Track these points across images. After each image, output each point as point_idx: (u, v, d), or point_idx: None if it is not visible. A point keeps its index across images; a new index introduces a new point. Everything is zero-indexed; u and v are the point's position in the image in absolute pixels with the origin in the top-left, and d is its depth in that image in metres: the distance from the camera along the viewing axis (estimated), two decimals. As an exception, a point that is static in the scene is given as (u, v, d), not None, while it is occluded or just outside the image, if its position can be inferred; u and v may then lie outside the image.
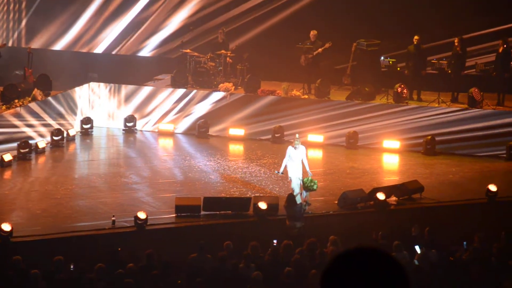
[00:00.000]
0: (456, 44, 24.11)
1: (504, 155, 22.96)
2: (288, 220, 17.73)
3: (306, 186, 18.18)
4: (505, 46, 23.92)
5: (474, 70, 24.47)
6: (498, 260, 15.83)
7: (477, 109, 23.41)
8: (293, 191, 18.52)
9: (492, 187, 19.50)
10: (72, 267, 14.82)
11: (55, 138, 23.64)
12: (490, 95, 23.93)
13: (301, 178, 18.68)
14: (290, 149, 18.68)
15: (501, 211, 18.97)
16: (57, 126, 24.02)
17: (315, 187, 18.29)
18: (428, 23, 25.93)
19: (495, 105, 23.74)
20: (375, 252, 3.02)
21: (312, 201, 19.38)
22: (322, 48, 24.66)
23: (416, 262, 15.89)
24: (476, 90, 23.55)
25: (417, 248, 16.42)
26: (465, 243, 16.66)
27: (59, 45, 28.68)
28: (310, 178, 18.35)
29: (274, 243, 16.52)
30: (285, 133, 24.39)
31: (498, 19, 25.65)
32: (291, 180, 18.87)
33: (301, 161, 18.56)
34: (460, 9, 25.87)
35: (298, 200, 18.71)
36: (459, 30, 25.22)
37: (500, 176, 21.53)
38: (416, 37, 24.39)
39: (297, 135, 19.15)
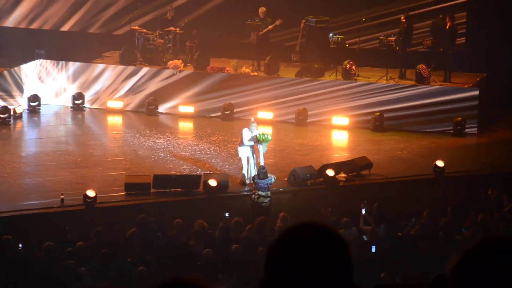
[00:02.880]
0: (403, 20, 24.25)
1: (451, 131, 23.22)
2: (256, 195, 17.76)
3: (262, 139, 18.31)
4: (451, 22, 24.12)
5: (421, 46, 24.64)
6: (445, 234, 16.07)
7: (424, 86, 23.62)
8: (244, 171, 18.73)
9: (440, 163, 19.75)
10: (20, 246, 14.70)
11: (1, 116, 23.31)
12: (437, 72, 24.15)
13: (249, 156, 18.76)
14: (246, 131, 18.73)
15: (448, 186, 19.23)
16: (3, 104, 23.70)
17: (269, 137, 18.48)
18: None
19: (442, 82, 23.98)
20: (318, 228, 3.05)
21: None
22: (273, 25, 24.62)
23: (365, 237, 16.07)
24: (424, 66, 23.75)
25: (363, 211, 16.62)
26: (413, 219, 16.87)
27: (4, 22, 28.22)
28: (261, 132, 18.56)
29: (226, 216, 16.57)
30: (235, 110, 24.37)
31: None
32: (241, 158, 18.95)
33: (254, 144, 18.69)
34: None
35: (247, 180, 18.77)
36: (406, 6, 25.39)
37: (447, 151, 21.79)
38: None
39: (252, 119, 19.33)
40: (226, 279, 13.97)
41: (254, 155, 18.73)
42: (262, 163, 18.36)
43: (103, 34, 27.70)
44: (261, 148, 18.31)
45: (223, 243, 15.49)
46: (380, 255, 15.24)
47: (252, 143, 18.64)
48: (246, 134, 18.69)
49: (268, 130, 18.59)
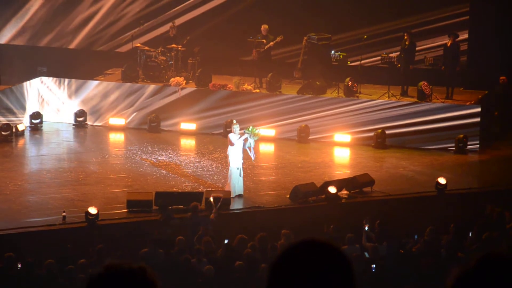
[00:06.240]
0: (405, 38, 24.30)
1: (453, 148, 23.21)
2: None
3: (253, 133, 18.48)
4: (453, 40, 24.17)
5: (423, 64, 24.67)
6: (447, 252, 16.03)
7: (426, 103, 23.64)
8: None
9: (442, 180, 19.72)
10: (19, 266, 14.63)
11: (3, 133, 23.33)
12: (439, 89, 24.16)
13: (240, 167, 18.79)
14: (231, 136, 18.81)
15: (450, 204, 19.19)
16: (5, 121, 23.73)
17: (261, 133, 18.95)
18: (379, 16, 26.06)
19: (444, 99, 23.99)
20: (321, 245, 3.04)
21: (264, 195, 19.44)
22: (274, 41, 24.68)
23: (367, 255, 16.02)
24: (426, 83, 23.77)
25: (366, 227, 16.56)
26: (416, 236, 16.84)
27: (6, 39, 28.29)
28: (251, 127, 18.78)
29: (225, 242, 16.44)
30: (237, 127, 24.37)
31: (447, 13, 25.86)
32: (231, 171, 18.88)
33: (242, 148, 18.71)
34: (411, 3, 26.05)
35: (234, 193, 18.75)
36: (409, 24, 25.47)
37: (449, 169, 21.77)
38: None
39: (234, 121, 19.41)
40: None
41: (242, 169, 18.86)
42: (253, 158, 18.76)
43: (105, 52, 27.78)
44: (251, 143, 18.52)
45: (225, 260, 15.45)
46: (382, 272, 15.19)
47: (242, 142, 18.68)
48: (233, 136, 18.77)
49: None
